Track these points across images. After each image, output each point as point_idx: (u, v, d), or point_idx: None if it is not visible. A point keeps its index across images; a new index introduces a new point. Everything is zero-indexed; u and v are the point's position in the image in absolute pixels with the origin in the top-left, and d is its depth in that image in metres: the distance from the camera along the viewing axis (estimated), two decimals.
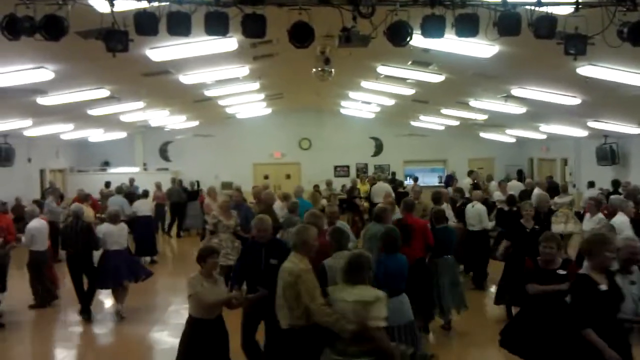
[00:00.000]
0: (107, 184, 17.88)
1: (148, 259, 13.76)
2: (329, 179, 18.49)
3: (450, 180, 20.26)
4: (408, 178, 24.15)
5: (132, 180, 17.82)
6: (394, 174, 22.68)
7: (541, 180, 17.16)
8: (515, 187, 15.43)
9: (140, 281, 9.74)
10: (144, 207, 14.43)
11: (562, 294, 5.24)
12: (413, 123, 23.23)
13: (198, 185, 19.55)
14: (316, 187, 17.45)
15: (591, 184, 15.52)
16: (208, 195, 13.97)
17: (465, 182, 16.19)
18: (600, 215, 9.34)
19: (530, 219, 8.30)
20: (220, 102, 17.61)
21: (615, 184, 14.43)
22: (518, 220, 8.51)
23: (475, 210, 10.67)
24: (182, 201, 18.12)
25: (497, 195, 13.56)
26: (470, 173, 17.54)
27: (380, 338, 4.49)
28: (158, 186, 17.94)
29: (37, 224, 9.74)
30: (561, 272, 5.47)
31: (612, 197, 10.38)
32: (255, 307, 5.96)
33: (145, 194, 15.47)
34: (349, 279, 4.65)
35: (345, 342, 4.50)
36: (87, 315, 9.25)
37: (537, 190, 13.68)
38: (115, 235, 9.36)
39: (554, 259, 5.53)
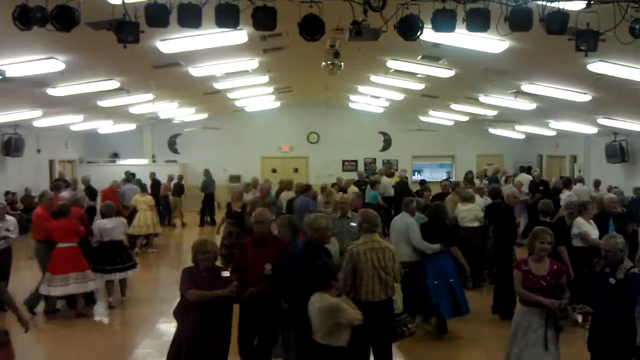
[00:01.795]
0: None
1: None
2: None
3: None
4: (416, 173, 24.18)
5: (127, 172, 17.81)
6: (391, 169, 19.95)
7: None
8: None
9: None
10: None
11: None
12: (422, 118, 23.13)
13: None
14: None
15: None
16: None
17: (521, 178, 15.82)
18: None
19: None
20: (230, 95, 17.62)
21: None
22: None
23: None
24: (214, 192, 19.40)
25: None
26: (528, 170, 17.20)
27: None
28: (170, 178, 18.57)
29: None
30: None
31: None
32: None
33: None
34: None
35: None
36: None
37: (581, 186, 13.66)
38: None
39: None
